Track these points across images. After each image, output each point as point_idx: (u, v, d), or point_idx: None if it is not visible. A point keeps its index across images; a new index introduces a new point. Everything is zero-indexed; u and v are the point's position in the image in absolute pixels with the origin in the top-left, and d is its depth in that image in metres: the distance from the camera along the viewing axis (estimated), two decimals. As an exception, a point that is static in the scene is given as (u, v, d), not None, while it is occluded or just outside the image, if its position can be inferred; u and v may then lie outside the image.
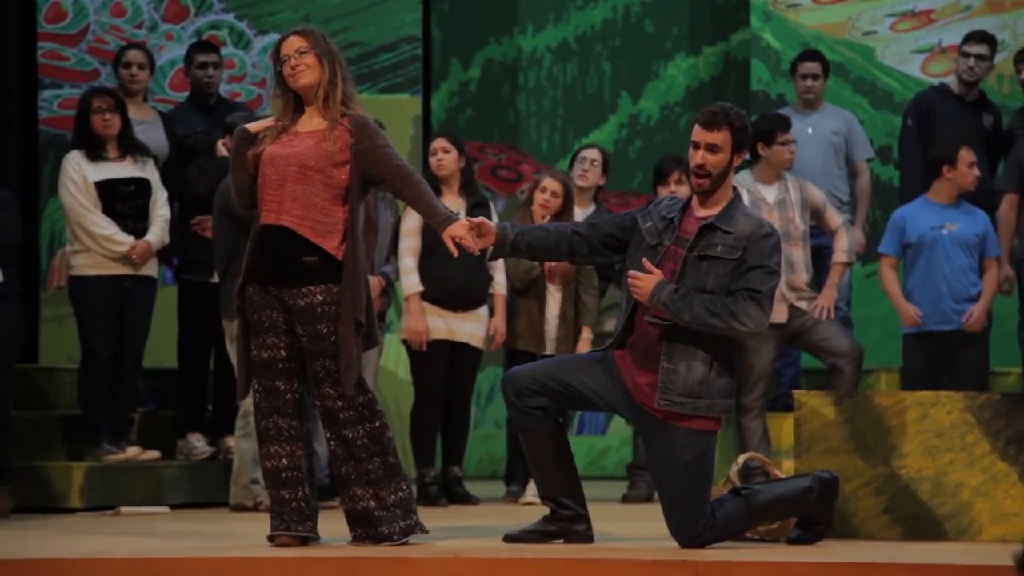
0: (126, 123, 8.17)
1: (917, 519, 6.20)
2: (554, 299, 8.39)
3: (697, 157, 5.74)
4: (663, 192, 8.52)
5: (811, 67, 9.18)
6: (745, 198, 7.57)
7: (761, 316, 5.68)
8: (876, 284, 8.84)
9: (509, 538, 5.92)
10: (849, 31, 10.31)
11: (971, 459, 6.18)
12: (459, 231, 5.76)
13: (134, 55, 8.86)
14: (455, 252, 5.82)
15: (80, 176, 8.08)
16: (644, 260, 5.72)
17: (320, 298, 5.70)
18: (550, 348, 8.35)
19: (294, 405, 5.79)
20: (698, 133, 5.76)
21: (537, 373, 5.88)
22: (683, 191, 8.34)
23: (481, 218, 5.86)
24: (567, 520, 5.91)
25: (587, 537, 5.93)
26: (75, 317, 8.25)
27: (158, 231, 8.21)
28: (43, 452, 8.28)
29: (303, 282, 5.71)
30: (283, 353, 5.77)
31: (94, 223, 8.07)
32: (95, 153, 8.11)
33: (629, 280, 5.71)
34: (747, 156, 5.99)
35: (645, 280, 5.68)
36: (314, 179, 5.72)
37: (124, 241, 8.09)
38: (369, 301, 5.78)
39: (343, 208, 5.75)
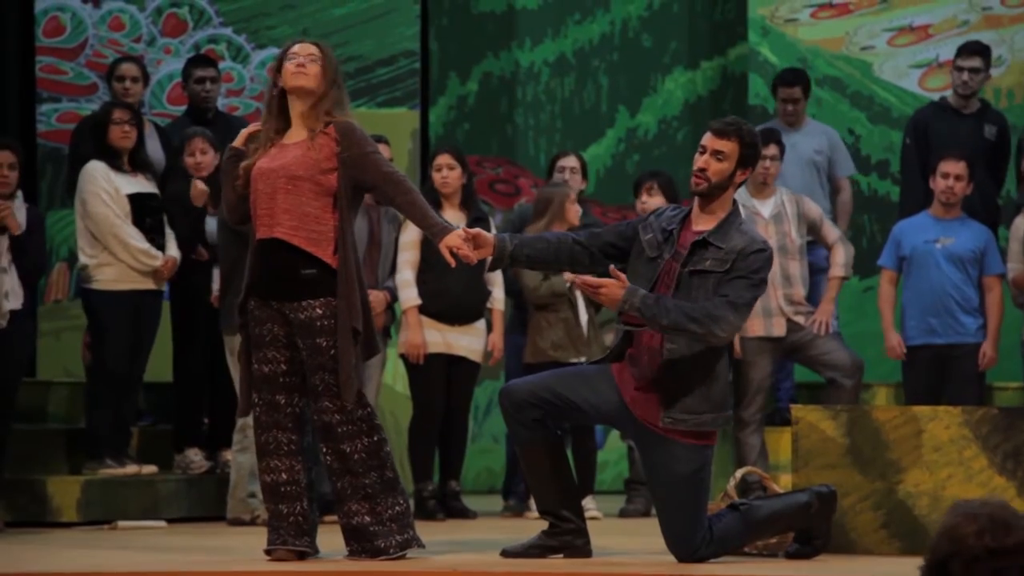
0: (140, 139, 8.18)
1: (915, 534, 6.19)
2: (582, 304, 8.33)
3: (700, 161, 5.75)
4: (639, 204, 8.52)
5: (792, 92, 9.13)
6: (742, 213, 7.57)
7: (737, 324, 5.67)
8: (874, 299, 8.83)
9: (507, 553, 5.90)
10: (846, 46, 10.31)
11: (969, 474, 6.18)
12: (455, 241, 5.74)
13: (127, 68, 8.85)
14: (452, 262, 5.80)
15: (112, 187, 8.05)
16: (611, 267, 5.67)
17: (320, 311, 5.69)
18: (585, 353, 8.18)
19: (294, 419, 5.78)
20: (707, 138, 5.77)
21: (535, 386, 5.86)
22: (655, 201, 8.32)
23: (477, 229, 5.84)
24: (567, 534, 5.90)
25: (586, 552, 5.92)
26: (94, 331, 8.17)
27: (174, 248, 8.21)
28: (40, 466, 8.27)
29: (303, 296, 5.70)
30: (284, 367, 5.76)
31: (131, 235, 8.04)
32: (115, 165, 8.09)
33: (590, 288, 5.61)
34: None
35: (610, 286, 5.59)
36: (304, 187, 5.70)
37: (158, 255, 8.09)
38: (367, 309, 5.76)
39: (334, 215, 5.72)
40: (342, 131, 5.74)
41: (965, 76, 8.89)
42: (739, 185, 5.86)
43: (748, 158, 5.77)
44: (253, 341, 5.79)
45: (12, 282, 7.46)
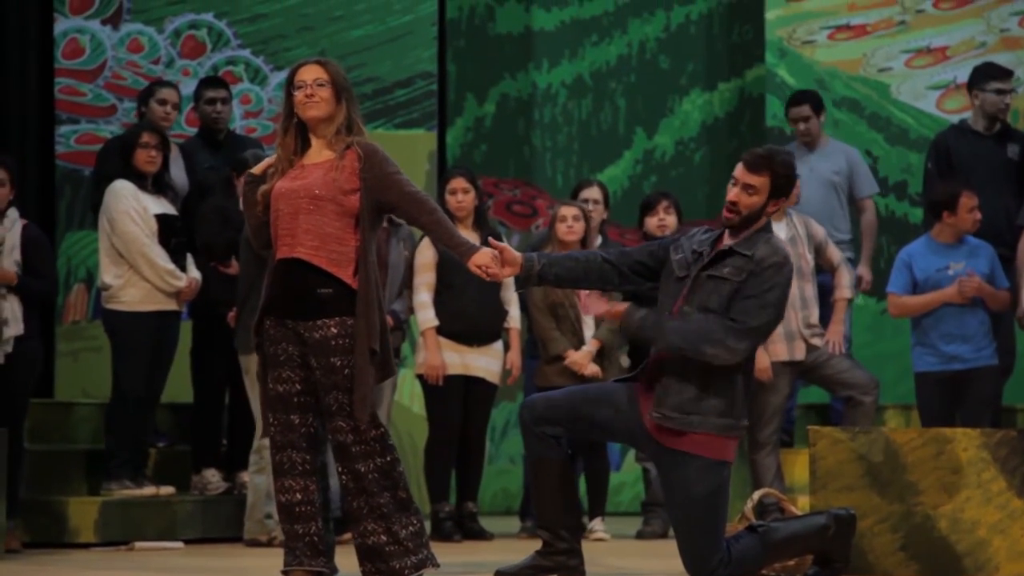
0: (164, 162, 8.20)
1: (934, 556, 6.18)
2: (589, 330, 8.30)
3: (732, 194, 5.72)
4: (651, 223, 8.52)
5: (800, 111, 9.14)
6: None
7: (736, 347, 5.57)
8: (890, 320, 8.82)
9: (501, 574, 5.88)
10: (864, 67, 10.32)
11: (987, 496, 6.16)
12: (484, 259, 5.74)
13: (169, 93, 8.89)
14: (486, 277, 5.79)
15: (141, 207, 8.06)
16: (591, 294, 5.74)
17: (335, 331, 5.69)
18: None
19: (309, 439, 5.78)
20: (739, 171, 5.72)
21: (558, 401, 5.85)
22: (672, 220, 8.37)
23: (504, 244, 5.83)
24: (560, 554, 5.87)
25: (580, 572, 5.90)
26: (116, 352, 8.15)
27: (195, 269, 8.22)
28: (57, 487, 8.28)
29: (318, 315, 5.70)
30: (298, 387, 5.76)
31: (158, 255, 8.05)
32: (140, 186, 8.10)
33: (607, 314, 5.71)
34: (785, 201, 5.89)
35: (618, 307, 5.71)
36: (326, 208, 5.71)
37: (182, 276, 8.10)
38: (384, 330, 5.76)
39: (356, 236, 5.73)
40: (365, 152, 5.76)
41: (1008, 99, 8.87)
42: (772, 214, 5.81)
43: (781, 189, 5.72)
44: (268, 361, 5.79)
45: (12, 308, 7.45)
